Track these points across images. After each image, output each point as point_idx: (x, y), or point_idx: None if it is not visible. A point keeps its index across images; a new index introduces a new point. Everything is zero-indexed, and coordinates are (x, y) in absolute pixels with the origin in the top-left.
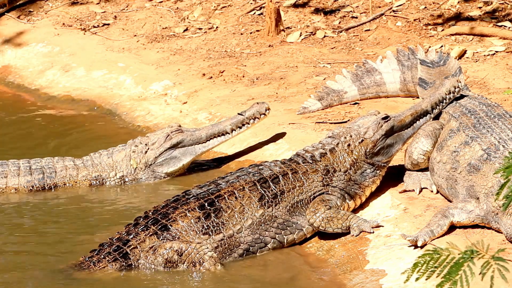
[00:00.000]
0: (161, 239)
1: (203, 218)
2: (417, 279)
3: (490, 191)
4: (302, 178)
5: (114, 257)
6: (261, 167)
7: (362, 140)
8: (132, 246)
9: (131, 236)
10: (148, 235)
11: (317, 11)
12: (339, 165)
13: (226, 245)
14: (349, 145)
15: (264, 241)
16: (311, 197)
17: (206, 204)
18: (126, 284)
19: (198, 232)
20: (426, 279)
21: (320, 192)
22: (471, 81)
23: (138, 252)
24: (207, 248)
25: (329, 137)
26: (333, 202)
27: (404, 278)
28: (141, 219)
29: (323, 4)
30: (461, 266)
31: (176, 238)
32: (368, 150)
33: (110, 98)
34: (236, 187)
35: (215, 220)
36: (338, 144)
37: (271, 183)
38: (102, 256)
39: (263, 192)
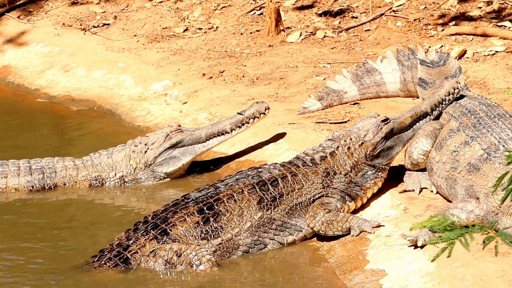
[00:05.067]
0: (161, 244)
1: (201, 223)
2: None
3: (490, 191)
4: (302, 180)
5: (115, 262)
6: (260, 170)
7: (362, 143)
8: (133, 251)
9: (131, 241)
10: (148, 240)
11: (317, 11)
12: (340, 168)
13: (225, 248)
14: (349, 148)
15: (263, 242)
16: (311, 199)
17: (205, 208)
18: (127, 285)
19: (197, 237)
20: (433, 231)
21: (320, 194)
22: (471, 81)
23: (139, 257)
24: (206, 251)
25: (329, 140)
26: (333, 205)
27: (405, 279)
28: (141, 224)
29: (323, 4)
30: (465, 232)
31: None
32: (368, 153)
33: (110, 98)
34: (235, 190)
35: (214, 224)
36: (338, 147)
37: (270, 186)
38: (103, 262)
39: (262, 195)
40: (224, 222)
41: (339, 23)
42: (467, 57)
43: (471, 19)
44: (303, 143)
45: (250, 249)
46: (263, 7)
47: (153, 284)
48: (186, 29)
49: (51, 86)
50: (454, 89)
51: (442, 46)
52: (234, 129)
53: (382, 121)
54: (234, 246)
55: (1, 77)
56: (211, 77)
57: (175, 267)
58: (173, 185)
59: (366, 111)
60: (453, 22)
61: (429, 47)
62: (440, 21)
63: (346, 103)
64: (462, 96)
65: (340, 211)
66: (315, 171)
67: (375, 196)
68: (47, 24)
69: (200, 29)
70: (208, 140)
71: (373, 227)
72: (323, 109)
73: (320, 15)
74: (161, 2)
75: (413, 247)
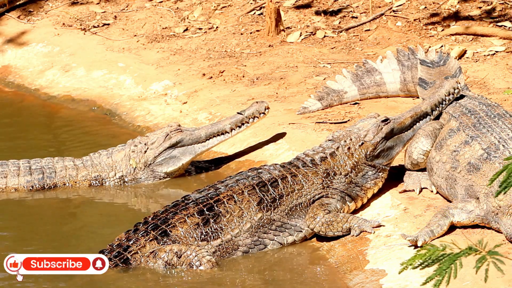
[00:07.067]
0: (161, 244)
1: (201, 225)
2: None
3: (490, 191)
4: (302, 181)
5: (115, 263)
6: (260, 170)
7: (362, 143)
8: (133, 252)
9: (131, 242)
10: (148, 240)
11: (317, 11)
12: (340, 168)
13: (225, 249)
14: (349, 148)
15: (263, 243)
16: (311, 200)
17: (205, 210)
18: (127, 285)
19: (197, 238)
20: (421, 269)
21: (320, 195)
22: (471, 81)
23: (139, 258)
24: (206, 251)
25: (329, 140)
26: (333, 205)
27: (405, 279)
28: (141, 225)
29: (323, 4)
30: (454, 260)
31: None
32: (368, 153)
33: (110, 98)
34: (235, 191)
35: (214, 225)
36: (338, 147)
37: (270, 187)
38: None
39: (262, 196)
40: (224, 223)
41: (339, 23)
42: (467, 57)
43: (471, 19)
44: (303, 143)
45: (250, 250)
46: (263, 7)
47: (153, 285)
48: (186, 29)
49: (51, 86)
50: (454, 89)
51: (442, 46)
52: (234, 129)
53: (382, 121)
54: (234, 247)
55: (1, 77)
56: (211, 77)
57: (175, 268)
58: (173, 185)
59: (366, 111)
60: (453, 22)
61: (429, 47)
62: (440, 21)
63: (346, 103)
64: (462, 96)
65: (340, 212)
66: (315, 172)
67: (375, 196)
68: (47, 24)
69: (200, 29)
70: (208, 139)
71: (373, 227)
72: (323, 109)
73: (320, 14)
74: (161, 2)
75: (413, 247)
